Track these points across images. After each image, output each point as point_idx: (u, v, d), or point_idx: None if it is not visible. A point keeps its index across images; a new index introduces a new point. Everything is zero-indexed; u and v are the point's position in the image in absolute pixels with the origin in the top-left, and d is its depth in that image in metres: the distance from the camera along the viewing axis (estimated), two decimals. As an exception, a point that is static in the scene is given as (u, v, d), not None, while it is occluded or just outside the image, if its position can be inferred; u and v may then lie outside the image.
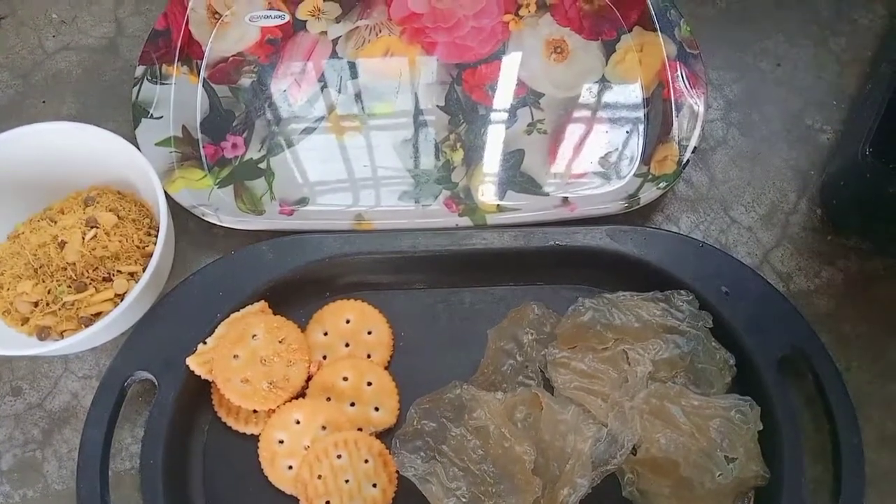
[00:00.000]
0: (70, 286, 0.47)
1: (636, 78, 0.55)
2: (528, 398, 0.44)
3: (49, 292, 0.47)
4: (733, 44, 0.58)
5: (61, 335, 0.47)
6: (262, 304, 0.48)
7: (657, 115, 0.53)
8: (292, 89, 0.55)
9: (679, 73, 0.53)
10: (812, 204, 0.53)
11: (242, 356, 0.46)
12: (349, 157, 0.54)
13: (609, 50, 0.56)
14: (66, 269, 0.47)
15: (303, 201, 0.52)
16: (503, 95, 0.55)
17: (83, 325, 0.46)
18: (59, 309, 0.46)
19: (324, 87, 0.55)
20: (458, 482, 0.42)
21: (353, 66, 0.56)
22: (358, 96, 0.55)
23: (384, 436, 0.46)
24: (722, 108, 0.56)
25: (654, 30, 0.55)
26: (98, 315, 0.47)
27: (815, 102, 0.56)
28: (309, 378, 0.47)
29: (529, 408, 0.44)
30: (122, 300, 0.46)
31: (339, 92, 0.55)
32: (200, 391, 0.46)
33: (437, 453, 0.43)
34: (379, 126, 0.54)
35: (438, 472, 0.42)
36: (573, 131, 0.54)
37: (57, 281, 0.47)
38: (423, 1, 0.58)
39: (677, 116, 0.52)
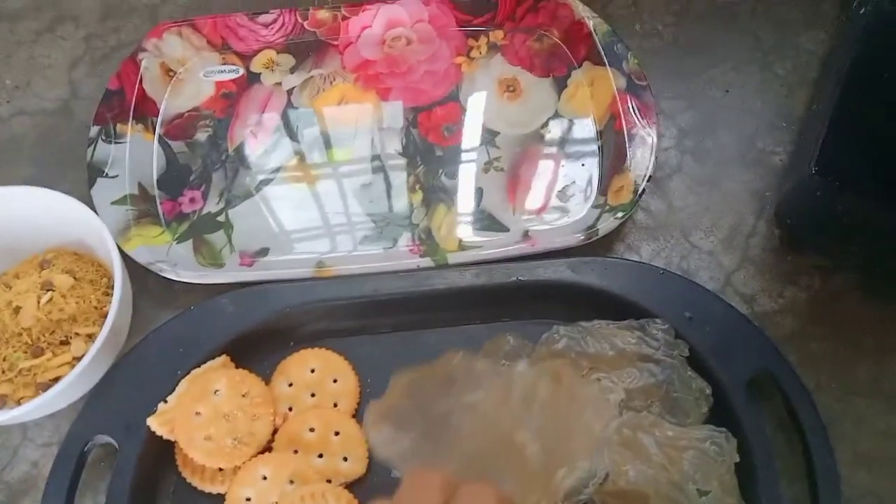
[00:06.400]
0: (26, 352, 0.46)
1: (588, 112, 0.56)
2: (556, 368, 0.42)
3: (4, 360, 0.45)
4: (681, 73, 0.59)
5: (18, 402, 0.45)
6: (224, 358, 0.47)
7: (611, 146, 0.54)
8: (249, 141, 0.56)
9: (630, 104, 0.54)
10: (770, 225, 0.54)
11: (205, 413, 0.44)
12: (309, 205, 0.54)
13: (560, 86, 0.57)
14: (21, 334, 0.46)
15: (263, 252, 0.51)
16: (459, 136, 0.56)
17: (41, 391, 0.45)
18: (16, 376, 0.45)
19: (281, 138, 0.56)
20: (441, 464, 0.38)
21: (309, 115, 0.56)
22: (315, 144, 0.55)
23: (354, 486, 0.45)
24: (675, 137, 0.57)
25: (603, 64, 0.56)
26: (56, 380, 0.45)
27: (766, 125, 0.57)
28: (275, 431, 0.46)
29: (532, 389, 0.41)
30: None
31: (297, 141, 0.56)
32: (163, 452, 0.45)
33: (419, 433, 0.38)
34: (337, 173, 0.55)
35: (419, 452, 0.38)
36: (530, 167, 0.54)
37: (13, 347, 0.46)
38: (376, 48, 0.59)
39: (630, 147, 0.52)
